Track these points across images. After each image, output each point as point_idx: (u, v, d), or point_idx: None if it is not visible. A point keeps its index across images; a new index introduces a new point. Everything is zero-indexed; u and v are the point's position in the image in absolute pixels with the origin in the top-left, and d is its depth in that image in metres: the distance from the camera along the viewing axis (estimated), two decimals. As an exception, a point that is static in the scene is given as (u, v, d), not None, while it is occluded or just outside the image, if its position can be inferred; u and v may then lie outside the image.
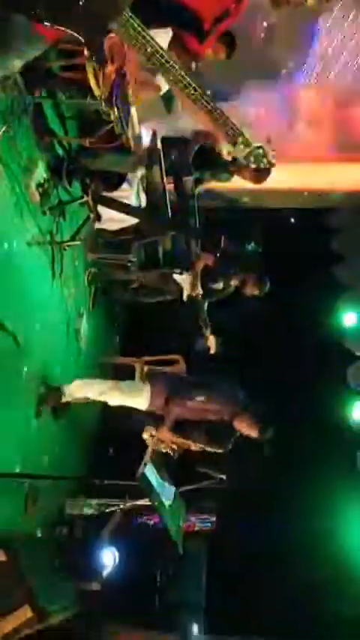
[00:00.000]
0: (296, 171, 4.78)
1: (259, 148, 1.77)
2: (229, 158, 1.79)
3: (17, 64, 1.57)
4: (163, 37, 1.52)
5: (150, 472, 2.96)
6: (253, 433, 3.28)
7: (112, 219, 3.98)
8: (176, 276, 4.41)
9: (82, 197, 3.58)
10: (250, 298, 4.22)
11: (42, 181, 3.17)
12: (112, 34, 1.45)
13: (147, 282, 4.61)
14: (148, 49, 1.44)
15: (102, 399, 3.37)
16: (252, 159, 1.77)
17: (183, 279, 4.38)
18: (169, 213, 3.88)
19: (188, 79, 1.53)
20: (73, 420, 3.77)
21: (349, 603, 4.79)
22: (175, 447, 3.36)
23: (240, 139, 1.70)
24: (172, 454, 3.39)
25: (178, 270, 4.23)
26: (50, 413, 3.28)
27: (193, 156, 3.74)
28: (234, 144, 1.69)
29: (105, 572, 3.12)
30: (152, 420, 3.44)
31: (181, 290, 4.48)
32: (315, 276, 5.79)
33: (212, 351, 4.05)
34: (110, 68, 1.98)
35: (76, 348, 3.86)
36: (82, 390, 3.22)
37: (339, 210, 5.68)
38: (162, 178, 3.66)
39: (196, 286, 4.23)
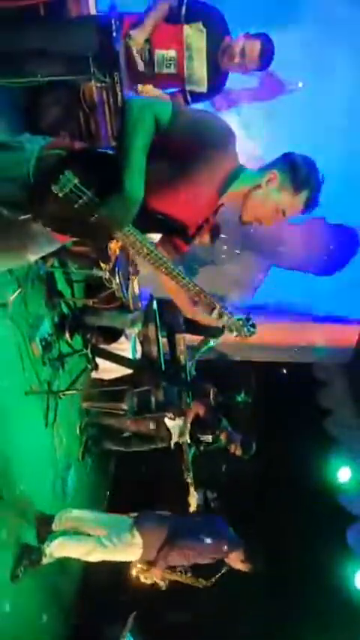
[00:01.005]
0: (278, 328, 5.20)
1: (239, 319, 2.05)
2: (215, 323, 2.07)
3: (32, 258, 1.86)
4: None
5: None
6: (244, 567, 3.33)
7: (109, 369, 4.21)
8: (168, 422, 4.46)
9: (82, 350, 3.83)
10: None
11: (46, 336, 3.45)
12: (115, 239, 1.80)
13: (138, 429, 4.65)
14: (144, 250, 1.77)
15: (86, 559, 3.19)
16: (233, 329, 2.05)
17: (173, 425, 4.43)
18: (163, 366, 4.10)
19: (177, 271, 1.85)
20: (51, 582, 3.48)
21: None
22: (163, 581, 3.41)
23: (217, 311, 1.98)
24: (160, 586, 3.41)
25: (169, 415, 4.31)
26: (28, 576, 3.05)
27: (184, 316, 4.09)
28: (211, 312, 1.98)
29: None
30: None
31: (171, 436, 4.49)
32: (307, 429, 5.81)
33: (192, 509, 3.93)
34: (114, 246, 2.32)
35: (61, 501, 3.74)
36: (64, 549, 3.05)
37: (324, 364, 5.96)
38: (157, 335, 3.97)
39: (184, 433, 4.27)
